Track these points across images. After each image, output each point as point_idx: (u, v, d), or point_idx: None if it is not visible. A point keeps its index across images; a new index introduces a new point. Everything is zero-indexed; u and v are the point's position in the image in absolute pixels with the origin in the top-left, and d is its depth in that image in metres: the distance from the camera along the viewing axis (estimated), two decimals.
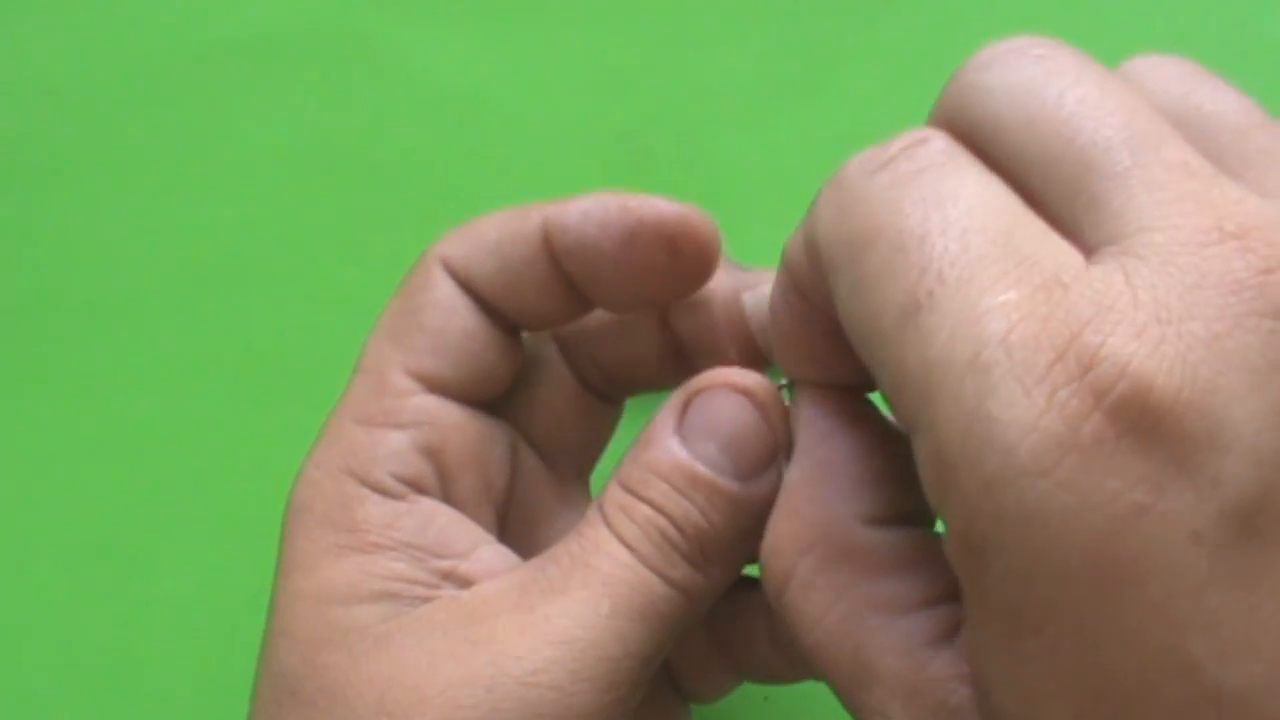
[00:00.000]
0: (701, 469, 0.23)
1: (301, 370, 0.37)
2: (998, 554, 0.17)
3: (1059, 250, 0.18)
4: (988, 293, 0.17)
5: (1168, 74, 0.20)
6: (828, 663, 0.21)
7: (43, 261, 0.39)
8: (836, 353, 0.21)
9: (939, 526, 0.19)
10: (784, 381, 0.24)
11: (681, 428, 0.24)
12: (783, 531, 0.21)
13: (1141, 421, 0.16)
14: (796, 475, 0.22)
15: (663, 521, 0.23)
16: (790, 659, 0.26)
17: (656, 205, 0.25)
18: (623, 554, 0.23)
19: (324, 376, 0.38)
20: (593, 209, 0.25)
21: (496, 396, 0.26)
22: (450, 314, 0.25)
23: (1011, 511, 0.16)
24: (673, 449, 0.23)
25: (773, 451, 0.24)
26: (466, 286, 0.25)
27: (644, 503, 0.23)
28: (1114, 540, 0.16)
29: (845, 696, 0.21)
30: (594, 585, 0.22)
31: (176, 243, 0.39)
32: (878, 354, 0.18)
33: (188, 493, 0.36)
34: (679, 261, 0.25)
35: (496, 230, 0.25)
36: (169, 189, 0.40)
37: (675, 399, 0.24)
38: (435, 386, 0.25)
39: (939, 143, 0.20)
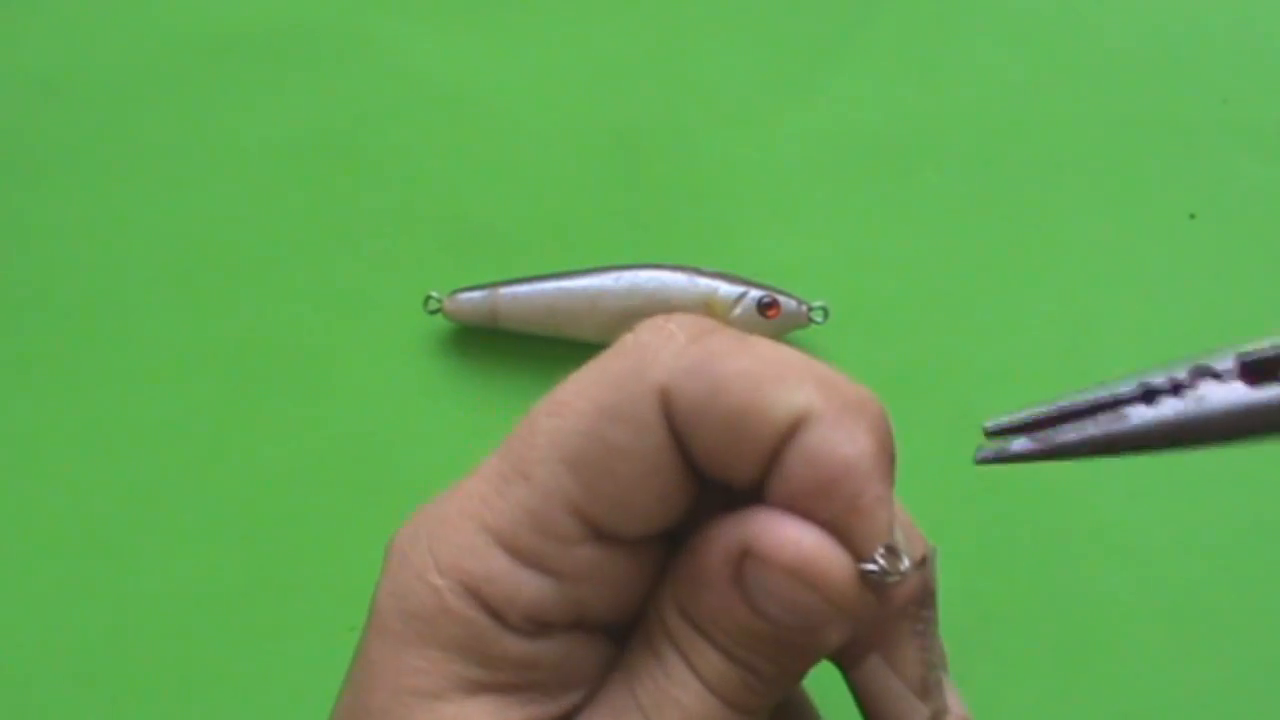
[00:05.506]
0: (767, 628, 0.22)
1: (295, 366, 0.37)
2: None
3: None
4: None
5: None
6: None
7: (40, 258, 0.39)
8: None
9: None
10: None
11: (743, 580, 0.22)
12: None
13: None
14: None
15: (738, 669, 0.23)
16: None
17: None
18: (705, 694, 0.22)
19: (318, 373, 0.38)
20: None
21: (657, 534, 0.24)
22: (652, 473, 0.22)
23: None
24: (735, 608, 0.22)
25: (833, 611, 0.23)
26: (680, 438, 0.22)
27: (717, 650, 0.22)
28: None
29: None
30: None
31: (172, 239, 0.39)
32: None
33: (182, 488, 0.36)
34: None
35: (744, 390, 0.21)
36: (165, 185, 0.40)
37: (730, 541, 0.22)
38: (606, 538, 0.22)
39: None
